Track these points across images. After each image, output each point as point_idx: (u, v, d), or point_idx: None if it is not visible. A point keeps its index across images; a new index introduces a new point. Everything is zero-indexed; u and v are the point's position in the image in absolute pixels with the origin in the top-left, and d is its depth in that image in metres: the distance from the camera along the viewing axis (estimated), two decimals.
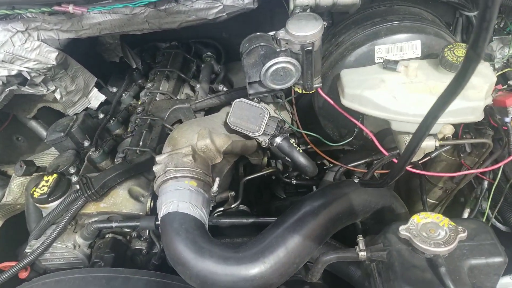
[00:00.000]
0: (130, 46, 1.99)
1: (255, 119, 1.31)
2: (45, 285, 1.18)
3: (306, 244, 1.10)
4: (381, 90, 1.21)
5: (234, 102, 1.33)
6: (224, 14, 1.32)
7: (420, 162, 1.38)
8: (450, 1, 1.45)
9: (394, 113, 1.20)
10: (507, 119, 1.20)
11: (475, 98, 1.16)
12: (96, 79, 1.66)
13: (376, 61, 1.31)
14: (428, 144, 1.25)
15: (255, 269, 1.03)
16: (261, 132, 1.31)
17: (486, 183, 1.39)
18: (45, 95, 1.56)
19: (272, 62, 1.17)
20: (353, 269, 1.20)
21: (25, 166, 1.47)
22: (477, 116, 1.18)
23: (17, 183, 1.68)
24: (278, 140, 1.37)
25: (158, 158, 1.24)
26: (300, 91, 1.29)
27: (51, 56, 1.40)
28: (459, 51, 1.19)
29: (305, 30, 1.14)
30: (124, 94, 1.79)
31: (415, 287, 0.94)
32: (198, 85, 1.82)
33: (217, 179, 1.21)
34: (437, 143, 1.25)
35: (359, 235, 1.07)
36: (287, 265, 1.07)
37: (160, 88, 1.80)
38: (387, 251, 1.03)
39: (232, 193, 1.49)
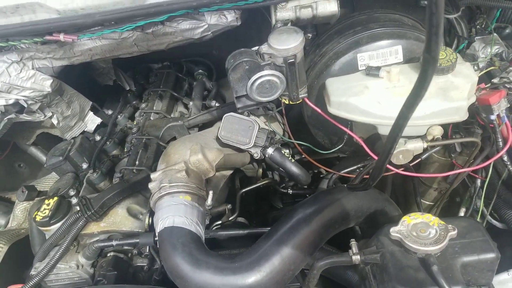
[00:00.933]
0: (123, 68, 2.04)
1: (245, 132, 1.34)
2: None
3: (300, 250, 1.12)
4: (365, 96, 1.25)
5: (224, 116, 1.37)
6: (209, 33, 1.37)
7: (411, 164, 1.41)
8: None
9: (380, 117, 1.24)
10: (492, 117, 1.23)
11: (458, 98, 1.20)
12: (91, 103, 1.71)
13: (360, 69, 1.34)
14: (416, 146, 1.28)
15: (251, 278, 1.06)
16: (252, 144, 1.34)
17: (479, 182, 1.41)
18: (43, 121, 1.60)
19: (257, 76, 1.21)
20: (350, 274, 1.22)
21: (26, 192, 1.51)
22: (462, 115, 1.21)
23: (20, 208, 1.73)
24: (269, 151, 1.40)
25: (153, 176, 1.27)
26: (287, 102, 1.33)
27: (46, 84, 1.45)
28: (440, 54, 1.23)
29: (287, 43, 1.18)
30: (119, 116, 1.84)
31: (410, 287, 0.96)
32: (191, 103, 1.87)
33: (211, 193, 1.24)
34: (425, 145, 1.28)
35: (352, 239, 1.10)
36: (282, 273, 1.09)
37: (154, 108, 1.84)
38: (380, 253, 1.05)
39: (229, 206, 1.51)
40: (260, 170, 1.75)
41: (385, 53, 1.33)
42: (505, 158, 1.24)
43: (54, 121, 1.59)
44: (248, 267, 1.07)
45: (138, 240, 1.33)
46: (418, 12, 1.54)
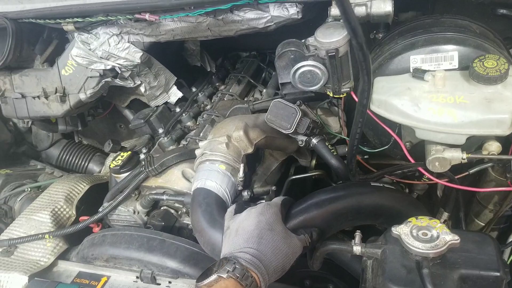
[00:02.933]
0: (215, 53, 2.27)
1: (288, 118, 1.43)
2: (104, 236, 1.48)
3: None
4: (406, 97, 1.25)
5: (272, 101, 1.48)
6: (272, 24, 1.49)
7: (458, 177, 1.37)
8: (506, 14, 1.41)
9: (417, 120, 1.23)
10: None
11: (502, 110, 1.14)
12: (175, 78, 1.95)
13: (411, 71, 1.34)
14: (454, 155, 1.24)
15: None
16: (292, 130, 1.42)
17: None
18: (134, 88, 1.89)
19: (299, 65, 1.30)
20: (356, 264, 1.25)
21: (111, 144, 1.80)
22: (504, 130, 1.15)
23: (109, 159, 2.06)
24: (314, 141, 1.48)
25: (200, 144, 1.45)
26: (331, 94, 1.39)
27: (137, 56, 1.72)
28: (489, 63, 1.18)
29: (330, 37, 1.25)
30: (200, 94, 2.06)
31: (397, 285, 0.97)
32: (264, 90, 2.01)
33: (242, 165, 1.36)
34: (464, 155, 1.23)
35: (357, 230, 1.14)
36: None
37: (230, 91, 2.02)
38: (382, 249, 1.08)
39: (273, 188, 1.62)
40: (314, 161, 1.81)
41: (439, 57, 1.31)
42: None
43: (142, 89, 1.87)
44: None
45: (183, 199, 1.53)
46: (496, 21, 1.46)
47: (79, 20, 1.61)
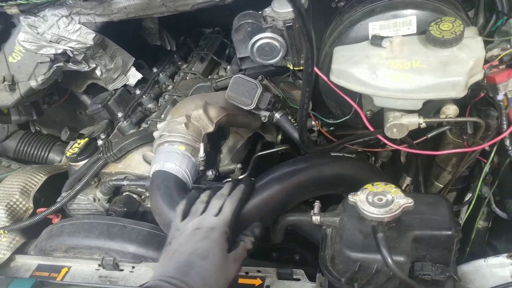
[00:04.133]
0: (177, 31, 2.19)
1: (249, 94, 1.39)
2: (63, 226, 1.42)
3: (265, 207, 1.17)
4: (364, 66, 1.22)
5: (232, 77, 1.43)
6: None
7: (416, 142, 1.36)
8: None
9: (375, 88, 1.20)
10: (499, 97, 1.14)
11: (457, 73, 1.12)
12: (133, 59, 1.87)
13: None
14: (411, 121, 1.22)
15: None
16: (253, 106, 1.39)
17: (487, 168, 1.32)
18: (90, 72, 1.80)
19: (257, 38, 1.26)
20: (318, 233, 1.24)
21: (68, 132, 1.72)
22: (459, 92, 1.14)
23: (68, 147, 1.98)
24: (277, 115, 1.44)
25: (158, 125, 1.40)
26: (291, 66, 1.35)
27: (89, 37, 1.63)
28: (445, 25, 1.16)
29: (288, 7, 1.20)
30: (161, 74, 1.99)
31: (354, 251, 0.97)
32: (228, 67, 1.95)
33: (201, 145, 1.32)
34: (421, 120, 1.22)
35: (316, 200, 1.12)
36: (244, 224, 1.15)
37: (193, 69, 1.96)
38: (340, 217, 1.07)
39: (239, 165, 1.58)
40: (279, 136, 1.78)
41: (398, 23, 1.28)
42: (507, 143, 1.15)
43: (98, 73, 1.79)
44: None
45: (145, 183, 1.47)
46: None
47: (23, 2, 1.52)
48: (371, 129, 1.29)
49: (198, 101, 1.40)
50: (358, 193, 1.02)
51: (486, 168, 1.29)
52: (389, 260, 0.90)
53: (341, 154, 1.41)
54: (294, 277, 1.23)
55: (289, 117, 1.46)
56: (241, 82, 1.41)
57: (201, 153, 1.33)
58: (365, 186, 1.03)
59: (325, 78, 1.37)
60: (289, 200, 1.23)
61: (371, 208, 0.97)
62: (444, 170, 1.51)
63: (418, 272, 0.99)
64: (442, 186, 1.56)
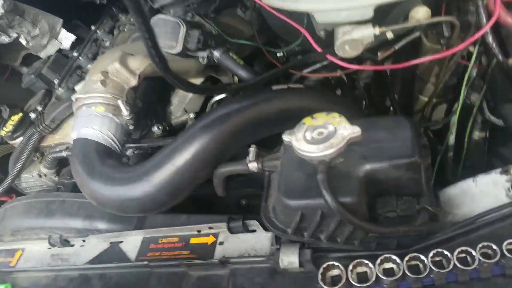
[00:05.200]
0: None
1: (172, 35, 1.24)
2: (5, 210, 1.35)
3: (199, 160, 1.06)
4: None
5: (151, 19, 1.27)
6: None
7: (384, 56, 1.21)
8: None
9: (311, 2, 1.03)
10: None
11: None
12: (61, 20, 1.72)
13: None
14: (365, 33, 1.03)
15: (139, 189, 1.04)
16: (180, 48, 1.24)
17: (474, 72, 1.17)
18: (16, 42, 1.66)
19: None
20: None
21: (8, 109, 1.62)
22: None
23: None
24: (217, 54, 1.31)
25: (76, 88, 1.27)
26: None
27: None
28: None
29: None
30: (99, 31, 1.83)
31: (293, 198, 0.85)
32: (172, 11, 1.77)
33: (120, 102, 1.19)
34: (377, 31, 1.04)
35: (252, 145, 1.00)
36: (176, 183, 1.05)
37: (131, 20, 1.79)
38: (281, 160, 0.94)
39: (191, 115, 1.46)
40: (236, 77, 1.64)
41: None
42: (490, 39, 0.97)
43: (23, 41, 1.64)
44: (138, 178, 1.05)
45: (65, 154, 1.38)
46: None
47: None
48: (319, 49, 1.12)
49: (114, 54, 1.26)
50: (294, 130, 0.86)
51: (469, 70, 1.13)
52: (331, 202, 0.77)
53: (285, 86, 1.27)
54: (250, 228, 1.12)
55: (231, 54, 1.32)
56: (161, 23, 1.26)
57: (124, 111, 1.21)
58: (303, 121, 0.87)
59: (261, 3, 1.19)
60: (225, 149, 1.10)
61: (308, 147, 0.82)
62: (427, 82, 1.35)
63: (380, 209, 0.86)
64: (426, 99, 1.41)
